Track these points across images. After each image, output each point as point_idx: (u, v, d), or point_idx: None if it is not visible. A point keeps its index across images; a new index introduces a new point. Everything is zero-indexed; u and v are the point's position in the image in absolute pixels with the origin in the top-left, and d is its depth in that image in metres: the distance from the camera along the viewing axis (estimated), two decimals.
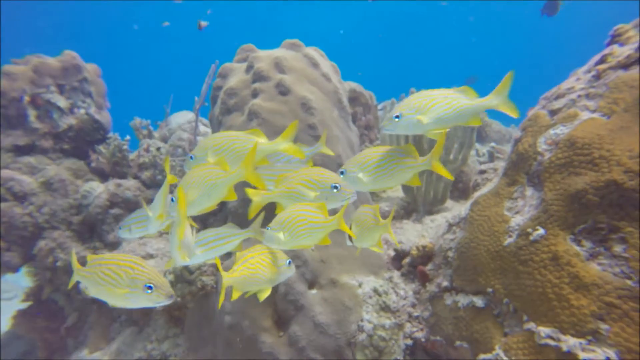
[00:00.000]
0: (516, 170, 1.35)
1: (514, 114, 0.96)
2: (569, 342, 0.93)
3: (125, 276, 0.88)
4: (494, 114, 4.44)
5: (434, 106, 0.95)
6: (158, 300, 0.89)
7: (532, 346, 1.02)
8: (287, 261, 1.08)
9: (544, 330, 1.00)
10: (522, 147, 1.34)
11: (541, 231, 1.11)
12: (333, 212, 1.08)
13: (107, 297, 0.91)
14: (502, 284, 1.20)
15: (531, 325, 1.05)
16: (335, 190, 1.00)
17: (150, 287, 0.88)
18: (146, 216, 1.12)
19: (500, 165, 2.21)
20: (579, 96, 1.21)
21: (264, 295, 1.06)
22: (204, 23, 3.50)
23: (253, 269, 1.03)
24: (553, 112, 1.31)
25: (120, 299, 0.89)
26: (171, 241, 0.97)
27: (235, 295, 1.04)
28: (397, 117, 0.98)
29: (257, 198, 1.03)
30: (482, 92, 1.00)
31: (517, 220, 1.23)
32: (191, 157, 1.07)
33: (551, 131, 1.25)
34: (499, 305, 1.21)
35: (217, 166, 0.99)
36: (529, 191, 1.29)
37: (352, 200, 1.01)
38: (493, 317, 1.22)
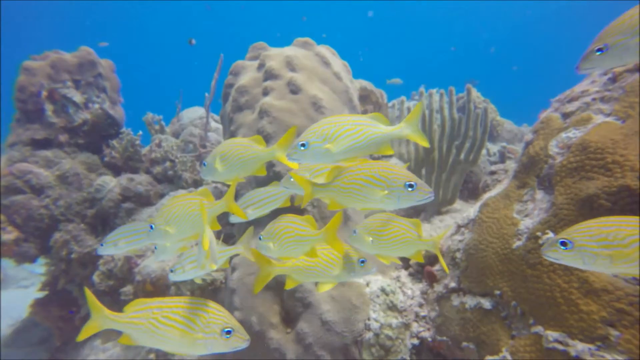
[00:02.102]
0: (527, 173, 1.34)
1: (423, 143, 0.92)
2: (578, 347, 0.93)
3: (199, 320, 0.80)
4: (505, 113, 4.38)
5: (343, 134, 0.88)
6: (236, 345, 0.82)
7: (539, 350, 1.02)
8: (359, 260, 1.02)
9: (551, 334, 1.00)
10: (533, 149, 1.32)
11: (551, 235, 1.11)
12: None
13: (171, 345, 0.82)
14: (510, 286, 1.20)
15: (539, 328, 1.05)
16: (409, 190, 0.86)
17: (229, 332, 0.81)
18: (132, 231, 1.16)
19: (511, 166, 2.19)
20: (594, 99, 1.20)
21: (324, 287, 1.05)
22: (193, 41, 3.82)
23: (312, 260, 1.00)
24: (566, 115, 1.29)
25: (190, 346, 0.81)
26: (198, 251, 0.98)
27: (289, 285, 1.04)
28: (303, 145, 0.89)
29: (308, 189, 0.94)
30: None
31: (526, 224, 1.22)
32: (204, 164, 1.10)
33: (563, 134, 1.24)
34: (507, 307, 1.21)
35: (201, 197, 0.98)
36: (539, 194, 1.28)
37: (429, 200, 0.90)
38: (500, 320, 1.22)
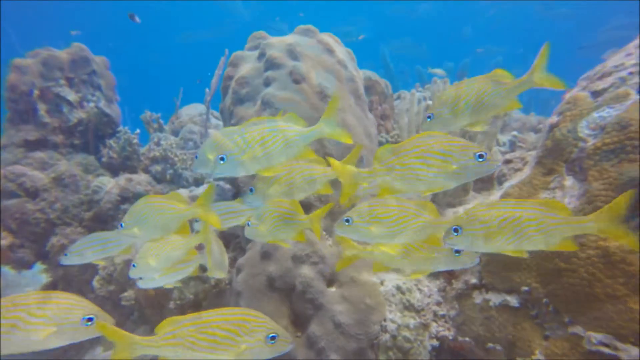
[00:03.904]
0: (553, 158, 1.24)
1: (345, 140, 0.89)
2: (631, 351, 0.82)
3: (241, 330, 0.78)
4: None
5: (256, 144, 0.86)
6: (282, 349, 0.81)
7: (580, 352, 0.92)
8: (454, 251, 0.98)
9: (594, 335, 0.90)
10: (560, 133, 1.22)
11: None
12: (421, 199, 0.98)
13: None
14: (540, 282, 1.10)
15: (578, 329, 0.95)
16: (480, 160, 0.78)
17: (274, 337, 0.80)
18: (99, 240, 1.15)
19: (527, 154, 2.08)
20: (631, 73, 1.09)
21: (417, 275, 1.06)
22: (137, 19, 3.60)
23: (401, 247, 1.01)
24: (596, 93, 1.19)
25: (235, 357, 0.78)
26: (206, 259, 1.03)
27: (377, 269, 1.07)
28: (222, 159, 0.88)
29: (350, 178, 0.86)
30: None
31: None
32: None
33: (595, 114, 1.13)
34: (537, 305, 1.11)
35: (172, 199, 0.98)
36: (568, 181, 1.18)
37: (498, 169, 0.85)
38: (530, 319, 1.12)
